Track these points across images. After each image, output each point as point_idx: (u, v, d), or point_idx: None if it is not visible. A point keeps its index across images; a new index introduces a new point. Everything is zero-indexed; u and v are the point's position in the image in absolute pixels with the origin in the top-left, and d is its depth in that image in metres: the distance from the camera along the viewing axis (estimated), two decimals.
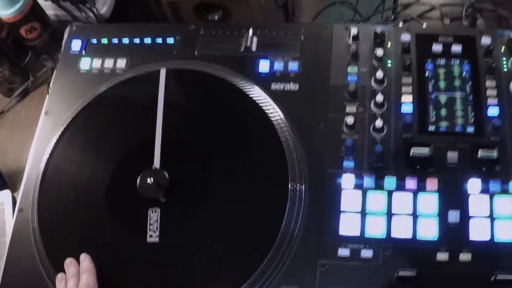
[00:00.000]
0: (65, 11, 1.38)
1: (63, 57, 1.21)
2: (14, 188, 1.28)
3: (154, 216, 0.98)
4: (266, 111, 1.03)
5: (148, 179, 0.97)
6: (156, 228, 0.97)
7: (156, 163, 1.00)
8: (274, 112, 1.03)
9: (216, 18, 1.26)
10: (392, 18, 1.32)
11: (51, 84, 1.19)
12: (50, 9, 1.42)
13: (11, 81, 1.42)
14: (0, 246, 1.20)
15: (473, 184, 0.95)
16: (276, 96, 1.06)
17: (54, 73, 1.21)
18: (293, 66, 1.09)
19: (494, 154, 0.95)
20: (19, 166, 1.27)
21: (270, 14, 1.39)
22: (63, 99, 1.15)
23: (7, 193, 1.27)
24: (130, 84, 1.12)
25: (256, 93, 1.06)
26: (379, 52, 1.05)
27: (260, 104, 1.04)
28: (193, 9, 1.26)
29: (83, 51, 1.19)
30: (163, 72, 1.10)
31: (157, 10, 1.46)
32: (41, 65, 1.44)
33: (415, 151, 0.97)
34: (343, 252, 0.93)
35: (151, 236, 0.97)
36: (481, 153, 0.96)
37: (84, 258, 0.97)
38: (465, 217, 0.93)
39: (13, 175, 1.30)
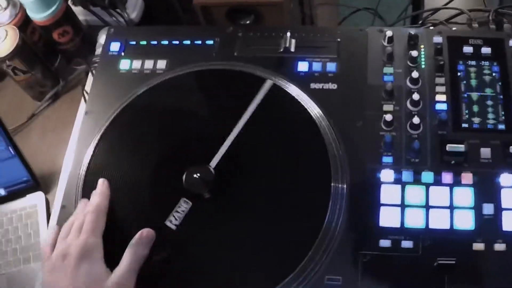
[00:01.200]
0: (95, 16, 1.44)
1: (102, 59, 1.25)
2: (46, 190, 1.33)
3: (184, 206, 1.04)
4: (308, 110, 1.09)
5: (195, 174, 1.02)
6: (179, 217, 1.03)
7: (214, 163, 1.05)
8: (315, 110, 1.09)
9: (247, 22, 1.31)
10: (420, 23, 1.38)
11: (90, 85, 1.23)
12: (80, 14, 1.49)
13: (42, 84, 1.47)
14: (35, 247, 1.26)
15: (506, 178, 1.01)
16: (316, 96, 1.11)
17: (94, 74, 1.26)
18: (331, 66, 1.15)
19: None
20: (51, 169, 1.32)
21: (296, 21, 1.45)
22: (104, 99, 1.19)
23: (40, 195, 1.33)
24: (174, 83, 1.18)
25: (297, 92, 1.12)
26: (414, 53, 1.11)
27: (301, 102, 1.10)
28: (226, 13, 1.31)
29: (122, 53, 1.24)
30: (268, 84, 1.14)
31: (183, 16, 1.52)
32: (72, 69, 1.49)
33: (450, 147, 1.02)
34: (384, 243, 0.98)
35: (170, 221, 1.02)
36: None
37: (103, 183, 1.04)
38: (498, 209, 0.99)
39: (45, 177, 1.35)
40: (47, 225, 1.26)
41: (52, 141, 1.41)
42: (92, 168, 1.11)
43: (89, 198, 1.05)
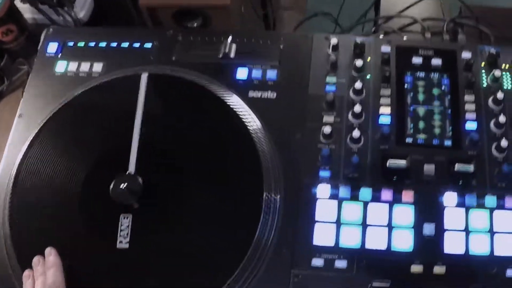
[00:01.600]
0: (43, 14, 1.40)
1: (38, 60, 1.21)
2: None
3: (125, 222, 0.98)
4: (243, 119, 1.04)
5: (122, 184, 0.97)
6: (127, 234, 0.97)
7: (131, 168, 1.01)
8: (251, 120, 1.05)
9: (195, 25, 1.27)
10: (373, 31, 1.34)
11: (25, 87, 1.19)
12: (28, 12, 1.44)
13: None
14: None
15: (449, 197, 0.96)
16: (254, 104, 1.07)
17: (30, 76, 1.21)
18: (272, 74, 1.10)
19: (471, 168, 0.97)
20: None
21: (250, 24, 1.41)
22: (38, 102, 1.15)
23: None
24: (107, 88, 1.13)
25: (234, 100, 1.07)
26: (359, 62, 1.07)
27: (237, 112, 1.05)
28: (173, 15, 1.26)
29: (59, 54, 1.20)
30: (144, 77, 1.11)
31: (136, 16, 1.47)
32: (17, 69, 1.44)
33: (391, 162, 0.98)
34: (317, 262, 0.94)
35: (121, 242, 0.97)
36: (458, 166, 0.97)
37: (50, 253, 0.97)
38: (440, 230, 0.94)
39: None
40: None
41: None
42: (21, 174, 1.07)
43: (18, 222, 1.02)
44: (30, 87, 1.18)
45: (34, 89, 1.17)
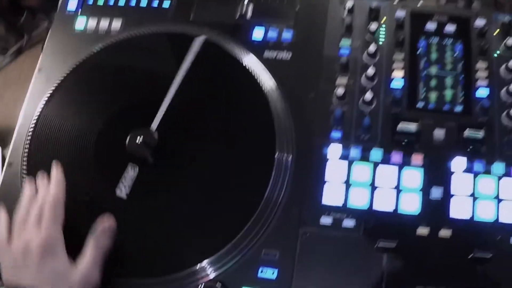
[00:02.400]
0: None
1: (58, 16, 1.21)
2: (4, 145, 1.29)
3: (131, 172, 1.00)
4: (257, 79, 1.05)
5: (138, 136, 0.98)
6: (128, 184, 0.99)
7: (154, 125, 1.02)
8: (266, 79, 1.05)
9: None
10: None
11: (45, 42, 1.19)
12: None
13: (5, 39, 1.42)
14: None
15: (458, 163, 0.97)
16: (269, 64, 1.07)
17: (50, 32, 1.21)
18: (287, 35, 1.10)
19: (480, 134, 0.97)
20: (10, 124, 1.27)
21: None
22: (57, 57, 1.16)
23: None
24: (126, 46, 1.14)
25: (249, 60, 1.07)
26: (373, 26, 1.07)
27: (252, 72, 1.05)
28: None
29: (79, 11, 1.20)
30: (200, 39, 1.10)
31: None
32: (37, 25, 1.44)
33: (402, 126, 0.98)
34: (325, 220, 0.95)
35: (120, 189, 0.99)
36: (467, 132, 0.98)
37: (56, 168, 0.98)
38: (447, 194, 0.95)
39: (3, 132, 1.32)
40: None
41: (12, 96, 1.38)
42: (39, 127, 1.08)
43: (35, 170, 1.02)
44: (50, 43, 1.19)
45: (53, 44, 1.19)
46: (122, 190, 0.99)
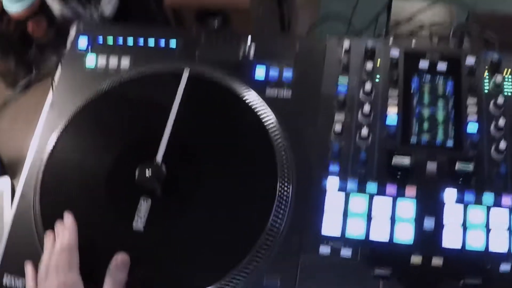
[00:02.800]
0: (70, 9, 1.43)
1: (69, 53, 1.26)
2: (13, 176, 1.32)
3: (144, 204, 1.04)
4: (260, 115, 1.10)
5: (147, 170, 1.02)
6: (144, 216, 1.03)
7: (159, 157, 1.06)
8: (268, 116, 1.10)
9: (216, 23, 1.31)
10: (384, 33, 1.38)
11: (56, 78, 1.24)
12: (55, 7, 1.48)
13: (15, 73, 1.46)
14: None
15: (449, 194, 1.01)
16: (270, 102, 1.12)
17: (60, 67, 1.25)
18: (287, 74, 1.15)
19: (471, 167, 1.01)
20: (19, 156, 1.31)
21: (267, 23, 1.45)
22: (68, 92, 1.20)
23: (6, 180, 1.32)
24: (136, 83, 1.19)
25: (252, 97, 1.12)
26: (369, 65, 1.11)
27: (255, 109, 1.10)
28: (195, 15, 1.31)
29: (89, 48, 1.25)
30: (185, 74, 1.16)
31: (158, 14, 1.50)
32: (45, 60, 1.48)
33: (396, 160, 1.02)
34: (324, 249, 0.99)
35: (137, 222, 1.03)
36: (458, 165, 1.01)
37: (68, 216, 1.03)
38: (439, 224, 0.99)
39: (13, 164, 1.35)
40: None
41: (22, 128, 1.40)
42: (52, 161, 1.12)
43: (48, 201, 1.08)
44: (62, 79, 1.23)
45: (65, 80, 1.23)
46: (139, 222, 1.03)
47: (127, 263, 0.97)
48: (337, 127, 1.06)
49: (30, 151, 1.16)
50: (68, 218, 1.02)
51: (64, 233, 1.00)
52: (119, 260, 0.97)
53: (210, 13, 1.32)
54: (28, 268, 1.01)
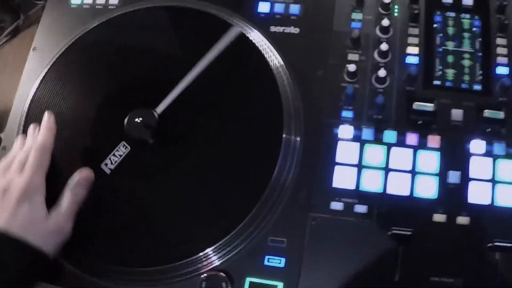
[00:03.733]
0: None
1: None
2: (1, 129, 1.22)
3: (122, 150, 0.95)
4: (265, 55, 0.97)
5: (137, 118, 0.92)
6: (115, 161, 0.94)
7: (160, 108, 0.95)
8: (273, 56, 0.98)
9: None
10: None
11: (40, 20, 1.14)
12: None
13: (1, 19, 1.36)
14: None
15: (477, 145, 0.90)
16: (275, 40, 1.00)
17: (45, 8, 1.16)
18: (295, 8, 1.03)
19: (501, 115, 0.90)
20: (6, 106, 1.21)
21: None
22: (53, 34, 1.10)
23: None
24: (124, 21, 1.07)
25: (255, 35, 1.00)
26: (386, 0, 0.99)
27: (259, 47, 0.98)
28: None
29: None
30: (235, 31, 1.01)
31: None
32: (33, 4, 1.38)
33: (418, 105, 0.91)
34: (336, 205, 0.88)
35: (106, 164, 0.94)
36: (487, 113, 0.91)
37: (49, 117, 0.94)
38: (465, 179, 0.88)
39: (1, 116, 1.24)
40: None
41: (9, 78, 1.29)
42: (34, 107, 1.02)
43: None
44: (45, 20, 1.13)
45: (49, 21, 1.13)
46: (108, 164, 0.94)
47: (91, 179, 0.90)
48: (351, 68, 0.94)
49: (14, 102, 1.08)
50: (49, 120, 0.93)
51: (42, 131, 0.92)
52: (84, 174, 0.90)
53: None
54: None
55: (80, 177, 0.89)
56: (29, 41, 1.22)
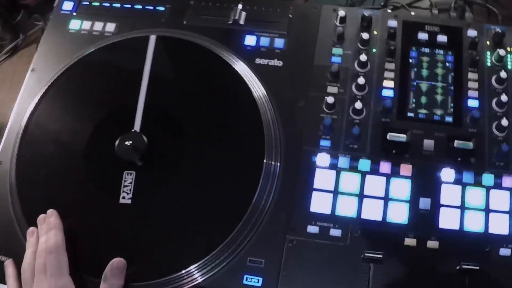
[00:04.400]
0: None
1: (53, 17, 1.17)
2: None
3: (129, 178, 0.96)
4: (249, 85, 1.01)
5: (127, 141, 0.95)
6: (130, 190, 0.95)
7: (137, 126, 0.98)
8: (256, 86, 1.01)
9: None
10: (382, 4, 1.29)
11: (40, 42, 1.16)
12: None
13: (1, 38, 1.39)
14: None
15: (447, 173, 0.93)
16: (260, 71, 1.03)
17: (44, 32, 1.17)
18: (279, 42, 1.07)
19: (470, 145, 0.94)
20: (2, 122, 1.24)
21: None
22: (51, 57, 1.12)
23: None
24: (117, 48, 1.10)
25: (240, 66, 1.03)
26: (365, 35, 1.03)
27: (243, 78, 1.02)
28: None
29: (74, 12, 1.16)
30: (152, 38, 1.08)
31: None
32: (33, 24, 1.42)
33: (391, 136, 0.95)
34: (312, 229, 0.91)
35: (123, 197, 0.95)
36: (457, 143, 0.94)
37: (51, 214, 0.94)
38: (436, 205, 0.91)
39: None
40: None
41: (6, 95, 1.34)
42: (31, 126, 1.04)
43: (24, 169, 1.00)
44: (44, 43, 1.14)
45: (48, 45, 1.14)
46: (125, 197, 0.96)
47: (123, 267, 0.89)
48: (329, 100, 0.98)
49: (11, 117, 1.09)
50: (52, 216, 0.93)
51: (50, 233, 0.91)
52: (115, 265, 0.88)
53: None
54: (9, 268, 0.93)
55: (112, 268, 0.88)
56: (27, 60, 1.26)
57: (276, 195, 0.94)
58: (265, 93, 1.01)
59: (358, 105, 0.97)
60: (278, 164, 0.95)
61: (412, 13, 1.12)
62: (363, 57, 1.01)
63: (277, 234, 0.91)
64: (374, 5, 1.30)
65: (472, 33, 1.05)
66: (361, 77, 0.99)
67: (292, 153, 0.97)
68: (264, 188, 0.93)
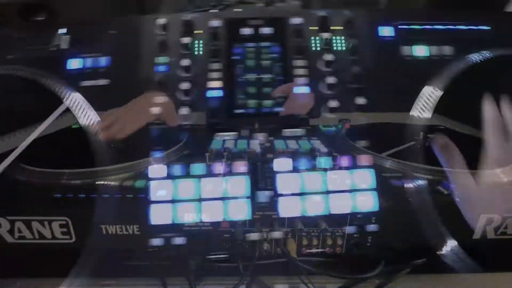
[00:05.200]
0: None
1: None
2: None
3: None
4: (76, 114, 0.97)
5: None
6: None
7: None
8: (84, 112, 0.98)
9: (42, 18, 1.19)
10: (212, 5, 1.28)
11: None
12: None
13: None
14: None
15: (281, 163, 0.91)
16: (87, 93, 0.99)
17: None
18: (104, 61, 1.05)
19: (302, 132, 0.95)
20: None
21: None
22: None
23: None
24: None
25: (67, 93, 0.99)
26: (185, 40, 1.03)
27: (72, 106, 0.98)
28: (17, 11, 1.18)
29: None
30: None
31: None
32: None
33: (220, 136, 0.95)
34: (156, 242, 0.90)
35: None
36: (288, 132, 0.95)
37: None
38: (275, 196, 0.89)
39: None
40: None
41: None
42: None
43: None
44: None
45: None
46: None
47: None
48: (157, 111, 0.95)
49: None
50: None
51: None
52: None
53: (34, 7, 1.19)
54: None
55: None
56: None
57: None
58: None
59: (185, 111, 0.97)
60: None
61: (236, 10, 1.10)
62: (185, 62, 1.00)
63: None
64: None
65: (296, 20, 1.05)
66: (185, 82, 0.99)
67: None
68: None
